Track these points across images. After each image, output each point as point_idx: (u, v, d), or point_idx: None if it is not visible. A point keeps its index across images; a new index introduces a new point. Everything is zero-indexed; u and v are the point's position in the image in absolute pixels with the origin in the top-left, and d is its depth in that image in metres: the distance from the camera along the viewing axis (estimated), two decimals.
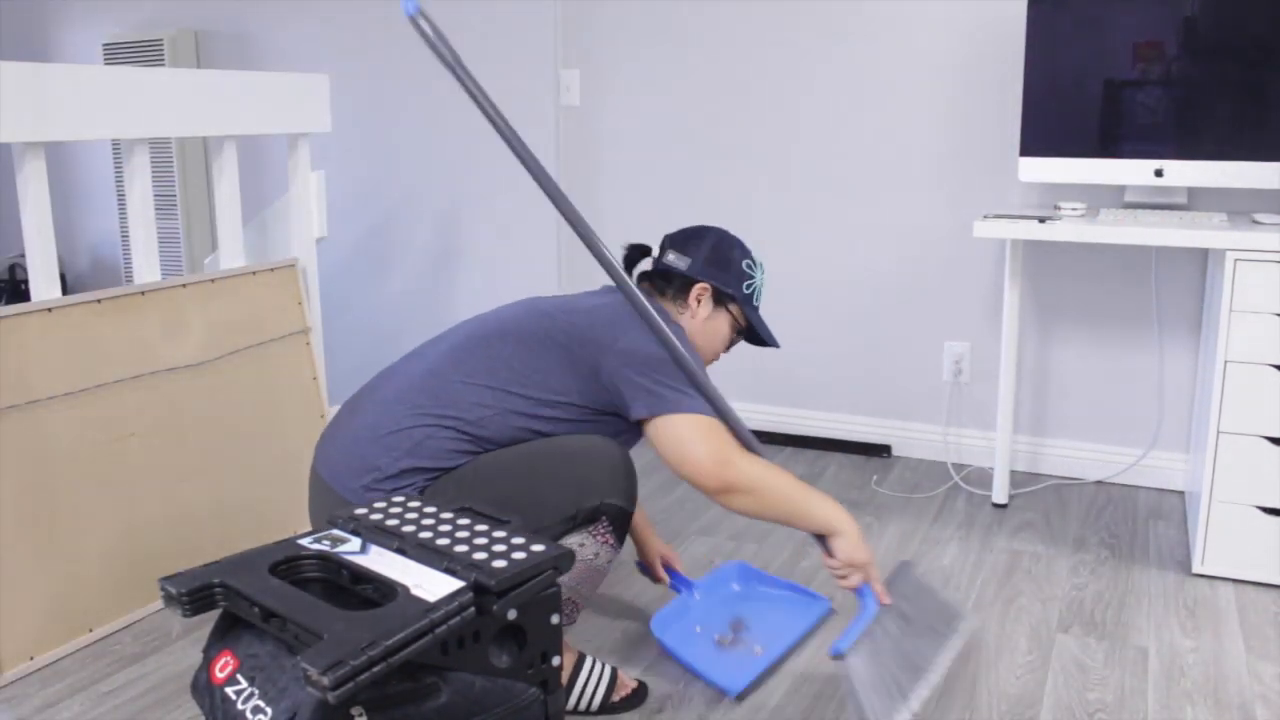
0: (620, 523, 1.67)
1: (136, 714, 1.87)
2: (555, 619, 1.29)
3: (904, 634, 1.76)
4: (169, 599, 1.26)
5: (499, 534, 1.35)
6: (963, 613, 1.93)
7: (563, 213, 1.62)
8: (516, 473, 1.65)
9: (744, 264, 1.94)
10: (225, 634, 1.29)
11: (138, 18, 4.23)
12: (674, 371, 1.69)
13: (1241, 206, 2.73)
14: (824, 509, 1.70)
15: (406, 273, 3.86)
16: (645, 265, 2.01)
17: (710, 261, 1.92)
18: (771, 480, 1.66)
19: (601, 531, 1.66)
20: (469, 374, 1.72)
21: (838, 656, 1.66)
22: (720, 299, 1.93)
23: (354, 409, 1.77)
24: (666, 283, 1.93)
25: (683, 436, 1.65)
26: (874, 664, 1.68)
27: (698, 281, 1.91)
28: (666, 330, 1.68)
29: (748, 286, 1.95)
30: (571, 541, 1.65)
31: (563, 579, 1.68)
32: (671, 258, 1.92)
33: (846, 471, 3.09)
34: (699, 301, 1.91)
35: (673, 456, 1.67)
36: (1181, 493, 2.89)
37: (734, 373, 3.39)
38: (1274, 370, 2.24)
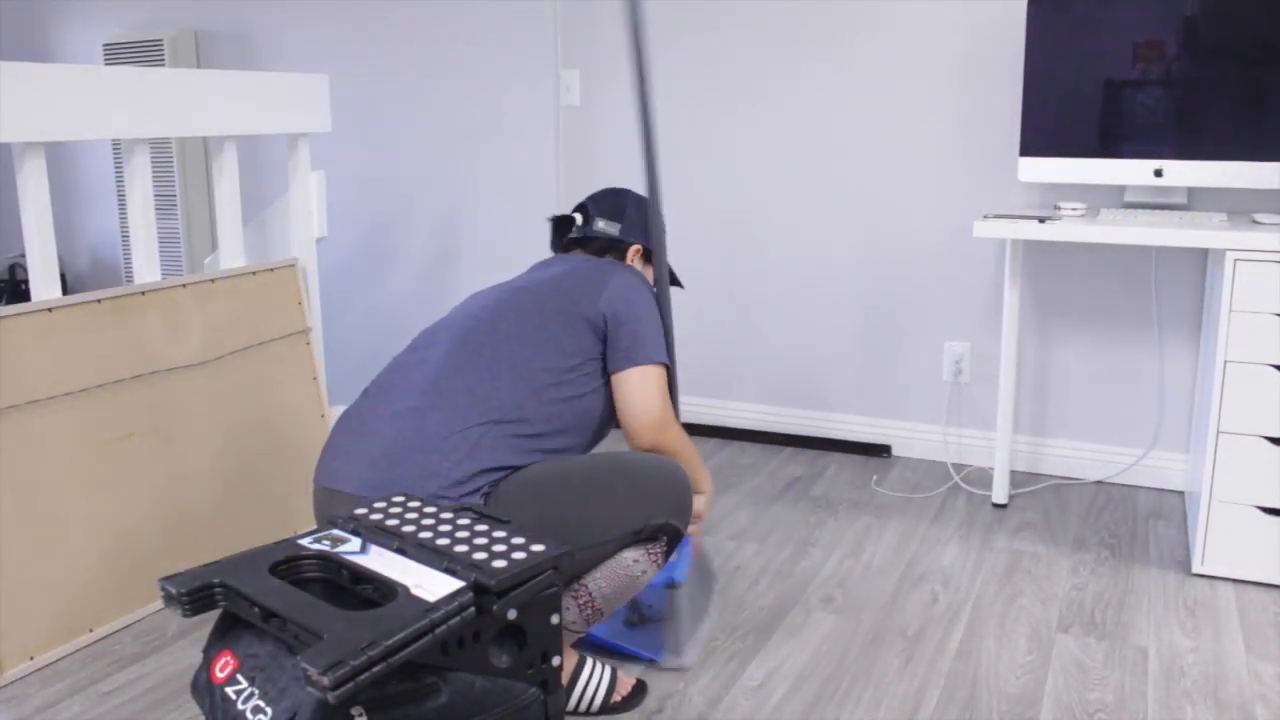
0: (673, 546, 1.76)
1: (136, 714, 1.87)
2: (555, 619, 1.29)
3: (695, 583, 2.07)
4: (169, 599, 1.26)
5: (499, 534, 1.35)
6: (716, 574, 2.37)
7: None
8: (588, 481, 1.68)
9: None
10: (225, 634, 1.29)
11: (138, 18, 4.24)
12: (654, 319, 1.85)
13: (1241, 206, 2.73)
14: (705, 472, 1.96)
15: (406, 273, 3.86)
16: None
17: (636, 223, 2.07)
18: (687, 449, 1.88)
19: (656, 551, 1.74)
20: (489, 364, 1.73)
21: (673, 586, 1.96)
22: (647, 255, 2.10)
23: (361, 427, 1.72)
24: (602, 247, 2.06)
25: (634, 395, 1.81)
26: (689, 601, 2.02)
27: (632, 244, 2.06)
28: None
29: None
30: (626, 556, 1.71)
31: (601, 587, 1.70)
32: (603, 225, 2.05)
33: (846, 471, 3.08)
34: (634, 260, 2.06)
35: (627, 404, 1.81)
36: (1181, 493, 2.89)
37: (735, 373, 3.39)
38: (1274, 370, 2.24)
